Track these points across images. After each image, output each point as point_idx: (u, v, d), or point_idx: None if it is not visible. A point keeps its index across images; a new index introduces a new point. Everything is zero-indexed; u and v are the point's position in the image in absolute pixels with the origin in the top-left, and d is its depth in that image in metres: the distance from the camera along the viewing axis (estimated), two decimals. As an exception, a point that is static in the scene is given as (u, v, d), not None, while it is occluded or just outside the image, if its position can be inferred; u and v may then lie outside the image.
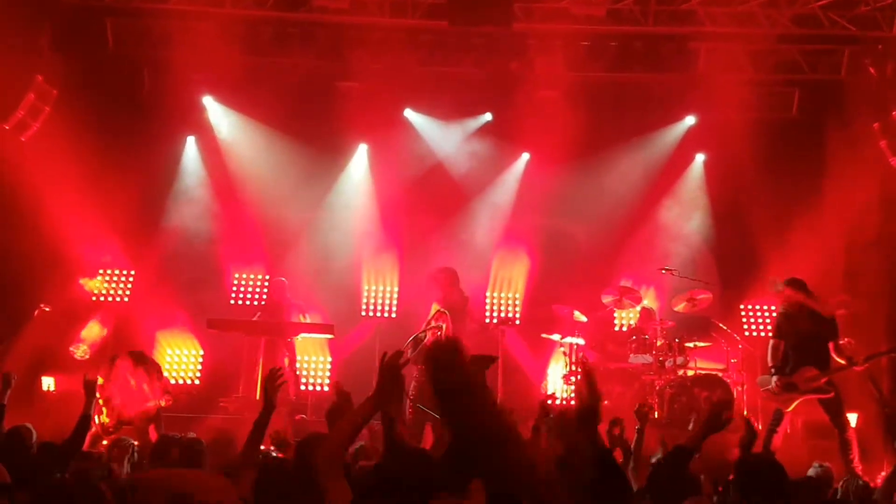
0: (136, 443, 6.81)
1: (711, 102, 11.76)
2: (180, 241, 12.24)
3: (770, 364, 8.60)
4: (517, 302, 12.54)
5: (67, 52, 11.04)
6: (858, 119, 11.52)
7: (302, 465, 4.20)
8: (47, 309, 10.26)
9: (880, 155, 10.93)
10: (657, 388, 10.35)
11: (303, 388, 11.44)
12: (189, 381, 11.77)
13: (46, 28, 10.72)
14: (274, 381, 4.77)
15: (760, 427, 9.62)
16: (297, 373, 11.11)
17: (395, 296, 12.42)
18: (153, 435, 8.66)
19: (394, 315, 12.24)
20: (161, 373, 9.10)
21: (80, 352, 10.54)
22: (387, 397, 3.93)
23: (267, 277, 12.27)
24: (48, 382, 10.26)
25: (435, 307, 9.79)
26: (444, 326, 9.73)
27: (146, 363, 8.97)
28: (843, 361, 8.32)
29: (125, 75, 11.86)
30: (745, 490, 4.17)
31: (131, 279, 12.08)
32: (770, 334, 8.83)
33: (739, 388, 10.30)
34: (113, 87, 11.78)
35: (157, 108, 11.76)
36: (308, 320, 11.04)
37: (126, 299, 11.89)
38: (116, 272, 12.00)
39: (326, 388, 11.53)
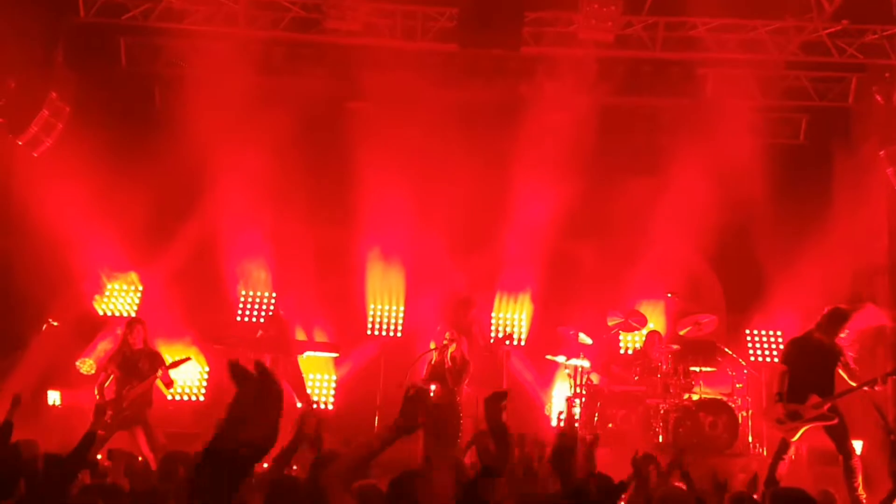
0: (140, 458, 6.84)
1: (719, 127, 11.81)
2: (189, 257, 12.31)
3: (777, 391, 8.57)
4: (523, 323, 12.54)
5: (81, 69, 11.18)
6: (866, 146, 11.57)
7: (314, 484, 4.22)
8: (55, 323, 10.30)
9: (887, 182, 10.94)
10: (662, 412, 10.31)
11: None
12: (194, 398, 11.78)
13: (60, 46, 10.85)
14: (307, 422, 4.76)
15: (766, 454, 9.62)
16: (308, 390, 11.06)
17: (401, 315, 12.43)
18: (142, 441, 8.73)
19: (399, 334, 12.25)
20: (162, 360, 9.21)
21: (86, 367, 10.57)
22: (408, 429, 3.97)
23: (274, 295, 12.29)
24: (54, 397, 10.29)
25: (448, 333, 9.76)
26: (454, 345, 9.74)
27: (147, 355, 9.10)
28: (854, 384, 8.28)
29: (137, 93, 11.99)
30: None
31: (139, 294, 12.14)
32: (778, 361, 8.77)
33: (744, 414, 10.26)
34: (125, 104, 11.91)
35: (169, 126, 11.86)
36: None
37: (133, 314, 11.93)
38: (124, 287, 12.04)
39: (331, 407, 11.53)
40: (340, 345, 10.94)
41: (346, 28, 10.77)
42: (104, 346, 11.24)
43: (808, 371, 8.39)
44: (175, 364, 9.22)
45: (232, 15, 10.99)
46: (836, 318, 8.37)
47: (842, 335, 8.39)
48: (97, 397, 8.96)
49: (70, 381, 10.41)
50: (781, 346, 8.73)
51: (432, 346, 9.81)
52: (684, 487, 5.79)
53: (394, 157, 12.51)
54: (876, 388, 8.25)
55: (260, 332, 11.06)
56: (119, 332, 9.53)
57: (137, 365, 9.13)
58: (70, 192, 11.17)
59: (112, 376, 9.14)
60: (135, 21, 11.02)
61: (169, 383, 9.18)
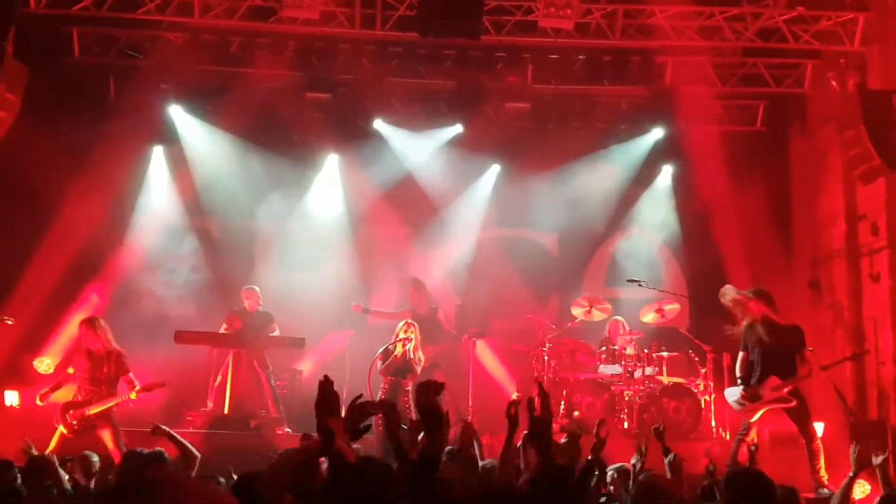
0: (96, 458, 6.72)
1: (679, 115, 11.92)
2: (146, 252, 12.13)
3: (738, 375, 8.70)
4: (488, 312, 12.53)
5: (32, 60, 10.85)
6: (822, 132, 11.74)
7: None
8: (10, 322, 10.05)
9: (843, 168, 11.11)
10: (627, 398, 10.43)
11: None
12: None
13: (10, 38, 10.53)
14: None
15: (729, 438, 9.75)
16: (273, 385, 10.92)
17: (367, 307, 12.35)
18: (111, 440, 8.58)
19: (364, 326, 12.17)
20: (125, 363, 8.96)
21: (44, 366, 10.34)
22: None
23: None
24: (12, 398, 10.05)
25: (402, 323, 9.76)
26: (413, 338, 9.74)
27: (111, 358, 8.88)
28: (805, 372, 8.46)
29: (91, 84, 11.72)
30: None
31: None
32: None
33: (707, 399, 10.39)
34: (78, 96, 11.64)
35: (124, 117, 11.64)
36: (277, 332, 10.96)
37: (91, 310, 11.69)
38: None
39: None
40: (306, 338, 10.82)
41: (304, 17, 10.62)
42: (62, 343, 11.03)
43: (769, 354, 8.52)
44: (150, 387, 8.95)
45: (186, 4, 10.76)
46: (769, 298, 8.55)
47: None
48: (41, 401, 8.80)
49: (28, 381, 10.18)
50: (741, 331, 8.81)
51: (403, 333, 9.77)
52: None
53: (356, 146, 12.47)
54: (815, 377, 8.43)
55: (224, 327, 10.91)
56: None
57: (102, 369, 8.83)
58: (23, 187, 10.94)
59: (69, 375, 8.94)
60: (87, 11, 10.72)
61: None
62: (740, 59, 11.85)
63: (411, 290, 11.18)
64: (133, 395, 8.79)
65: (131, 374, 8.88)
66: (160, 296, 11.95)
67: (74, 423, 8.68)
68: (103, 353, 8.86)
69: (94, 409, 8.68)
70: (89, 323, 9.02)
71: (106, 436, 8.67)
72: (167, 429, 6.36)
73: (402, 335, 9.70)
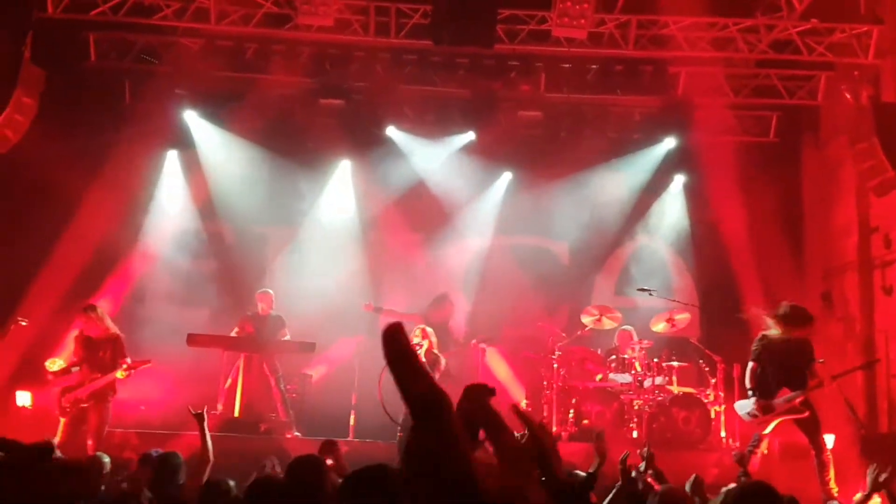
0: (107, 459, 6.75)
1: (691, 125, 11.93)
2: (159, 256, 12.21)
3: (748, 387, 8.67)
4: (499, 320, 12.54)
5: (48, 65, 10.98)
6: (835, 144, 11.73)
7: (295, 486, 4.15)
8: (24, 323, 10.13)
9: (856, 180, 11.09)
10: (636, 407, 10.41)
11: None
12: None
13: (28, 42, 10.65)
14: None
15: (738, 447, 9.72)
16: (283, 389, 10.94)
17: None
18: (91, 427, 8.63)
19: (375, 331, 12.21)
20: (123, 346, 9.04)
21: (56, 367, 10.40)
22: None
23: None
24: (24, 398, 10.12)
25: (417, 329, 9.78)
26: (424, 344, 9.75)
27: (111, 342, 8.93)
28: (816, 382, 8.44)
29: (107, 89, 11.83)
30: None
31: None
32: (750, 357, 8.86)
33: (717, 409, 10.36)
34: (94, 101, 11.75)
35: (139, 122, 11.74)
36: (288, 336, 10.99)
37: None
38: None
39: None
40: (316, 343, 10.85)
41: (319, 24, 10.70)
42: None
43: (779, 366, 8.50)
44: (136, 365, 9.02)
45: (203, 10, 10.86)
46: (798, 316, 8.49)
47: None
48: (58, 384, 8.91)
49: (41, 382, 10.25)
50: (753, 342, 8.80)
51: (416, 338, 9.77)
52: (657, 486, 5.82)
53: (368, 153, 12.53)
54: (825, 388, 8.41)
55: (236, 330, 10.95)
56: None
57: (98, 354, 8.92)
58: (39, 190, 11.04)
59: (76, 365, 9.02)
60: (104, 16, 10.83)
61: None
62: (753, 70, 11.87)
63: (448, 306, 11.24)
64: (120, 374, 8.86)
65: (128, 359, 8.98)
66: (173, 299, 12.02)
67: (67, 406, 8.75)
68: (103, 338, 8.96)
69: (86, 391, 8.77)
70: (88, 310, 9.11)
71: (91, 422, 8.74)
72: (205, 421, 6.41)
73: (414, 340, 9.70)
